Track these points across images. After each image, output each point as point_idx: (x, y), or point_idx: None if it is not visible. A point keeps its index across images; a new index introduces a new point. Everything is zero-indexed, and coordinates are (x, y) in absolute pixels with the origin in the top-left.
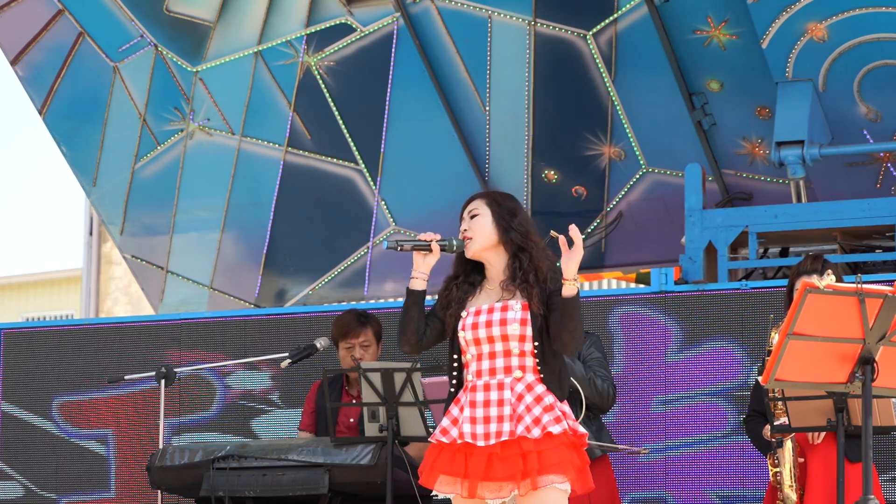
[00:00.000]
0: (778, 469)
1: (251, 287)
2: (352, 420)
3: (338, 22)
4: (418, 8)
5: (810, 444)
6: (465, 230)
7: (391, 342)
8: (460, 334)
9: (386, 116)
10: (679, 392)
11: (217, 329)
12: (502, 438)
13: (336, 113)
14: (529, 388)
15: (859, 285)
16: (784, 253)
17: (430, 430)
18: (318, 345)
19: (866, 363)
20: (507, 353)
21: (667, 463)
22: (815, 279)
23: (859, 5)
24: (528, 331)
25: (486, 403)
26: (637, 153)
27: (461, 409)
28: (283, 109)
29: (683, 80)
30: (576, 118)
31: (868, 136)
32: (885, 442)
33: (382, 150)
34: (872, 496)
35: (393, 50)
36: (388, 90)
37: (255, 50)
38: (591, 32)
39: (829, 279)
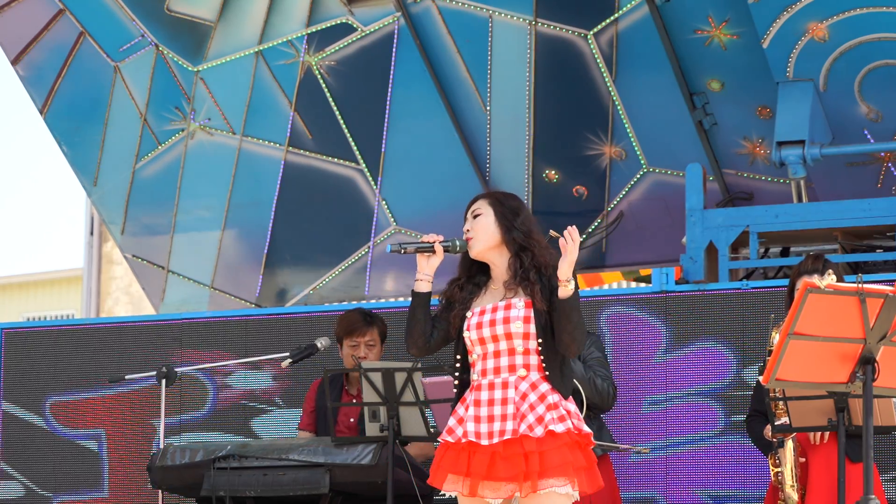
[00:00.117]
0: (779, 469)
1: (252, 287)
2: (352, 419)
3: (338, 22)
4: (419, 8)
5: (812, 444)
6: (468, 230)
7: (392, 342)
8: (465, 334)
9: (387, 116)
10: (675, 392)
11: (218, 329)
12: (505, 437)
13: (337, 113)
14: (534, 386)
15: (860, 285)
16: (785, 253)
17: (431, 430)
18: (319, 345)
19: (867, 363)
20: (512, 352)
21: (657, 462)
22: (815, 279)
23: (860, 5)
24: (532, 328)
25: (491, 402)
26: (638, 153)
27: (466, 409)
28: (284, 109)
29: (684, 79)
30: (576, 118)
31: (869, 136)
32: (885, 442)
33: (383, 149)
34: (873, 496)
35: (394, 50)
36: (389, 90)
37: (256, 49)
38: (591, 32)
39: (829, 279)
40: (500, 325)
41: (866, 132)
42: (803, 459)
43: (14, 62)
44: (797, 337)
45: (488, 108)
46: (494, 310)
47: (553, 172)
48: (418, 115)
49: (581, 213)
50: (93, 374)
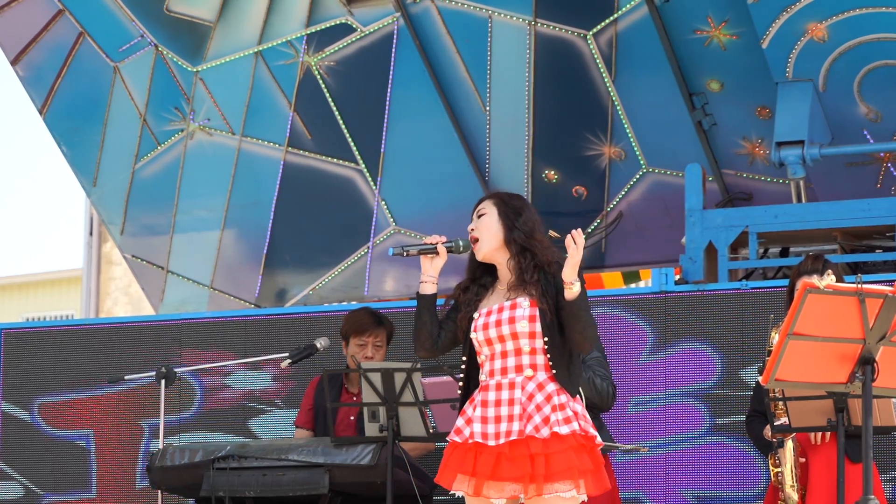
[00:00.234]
0: (779, 469)
1: (251, 287)
2: (351, 418)
3: (338, 22)
4: (418, 8)
5: (812, 445)
6: (472, 229)
7: (392, 343)
8: (473, 336)
9: (386, 116)
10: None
11: (217, 329)
12: (511, 438)
13: (336, 113)
14: (541, 386)
15: (859, 285)
16: (784, 253)
17: (431, 430)
18: (319, 345)
19: (866, 363)
20: (518, 352)
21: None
22: (815, 279)
23: (859, 5)
24: (538, 327)
25: (497, 403)
26: (637, 153)
27: (474, 409)
28: (284, 109)
29: (683, 80)
30: (576, 118)
31: (868, 136)
32: (885, 442)
33: (383, 150)
34: (873, 496)
35: (393, 50)
36: (389, 90)
37: (256, 50)
38: (591, 32)
39: (829, 279)
40: (506, 326)
41: (866, 132)
42: (803, 460)
43: (14, 62)
44: (796, 337)
45: (488, 108)
46: (500, 310)
47: (552, 173)
48: (418, 116)
49: (580, 214)
50: (93, 374)
